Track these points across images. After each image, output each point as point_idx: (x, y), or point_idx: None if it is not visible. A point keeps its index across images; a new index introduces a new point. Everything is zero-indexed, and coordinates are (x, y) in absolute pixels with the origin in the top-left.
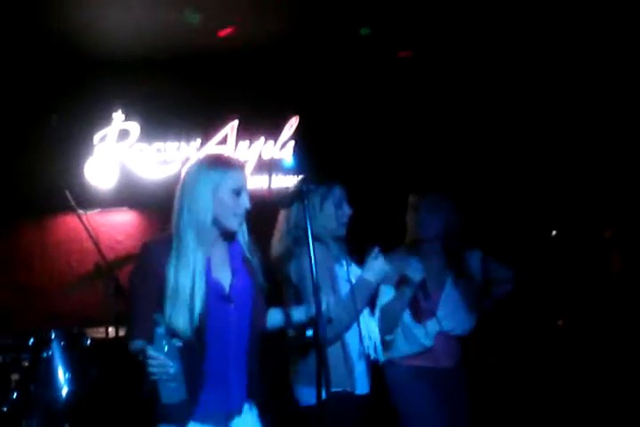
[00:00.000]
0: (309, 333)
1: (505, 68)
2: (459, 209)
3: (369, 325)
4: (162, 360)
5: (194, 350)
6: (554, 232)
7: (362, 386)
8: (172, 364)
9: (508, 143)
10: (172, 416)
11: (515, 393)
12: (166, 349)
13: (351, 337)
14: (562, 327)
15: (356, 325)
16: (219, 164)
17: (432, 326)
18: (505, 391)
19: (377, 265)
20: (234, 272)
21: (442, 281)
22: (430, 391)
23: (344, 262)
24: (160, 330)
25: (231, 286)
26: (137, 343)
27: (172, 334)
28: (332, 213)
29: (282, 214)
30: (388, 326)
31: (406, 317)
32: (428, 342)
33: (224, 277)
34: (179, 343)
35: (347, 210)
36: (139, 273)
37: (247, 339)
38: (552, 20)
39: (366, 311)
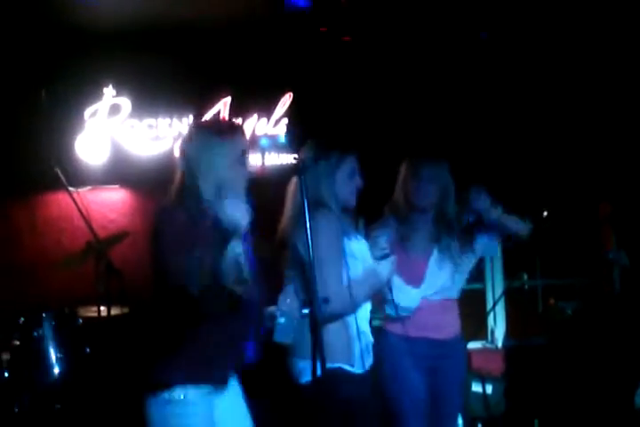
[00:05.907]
0: (305, 311)
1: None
2: (455, 179)
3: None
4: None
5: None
6: (545, 213)
7: (358, 365)
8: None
9: (499, 119)
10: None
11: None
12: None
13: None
14: (552, 306)
15: None
16: (226, 132)
17: (416, 294)
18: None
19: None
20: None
21: (428, 251)
22: (412, 364)
23: (352, 236)
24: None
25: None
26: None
27: None
28: (344, 182)
29: (292, 185)
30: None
31: (396, 279)
32: (407, 309)
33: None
34: None
35: (358, 181)
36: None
37: None
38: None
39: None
